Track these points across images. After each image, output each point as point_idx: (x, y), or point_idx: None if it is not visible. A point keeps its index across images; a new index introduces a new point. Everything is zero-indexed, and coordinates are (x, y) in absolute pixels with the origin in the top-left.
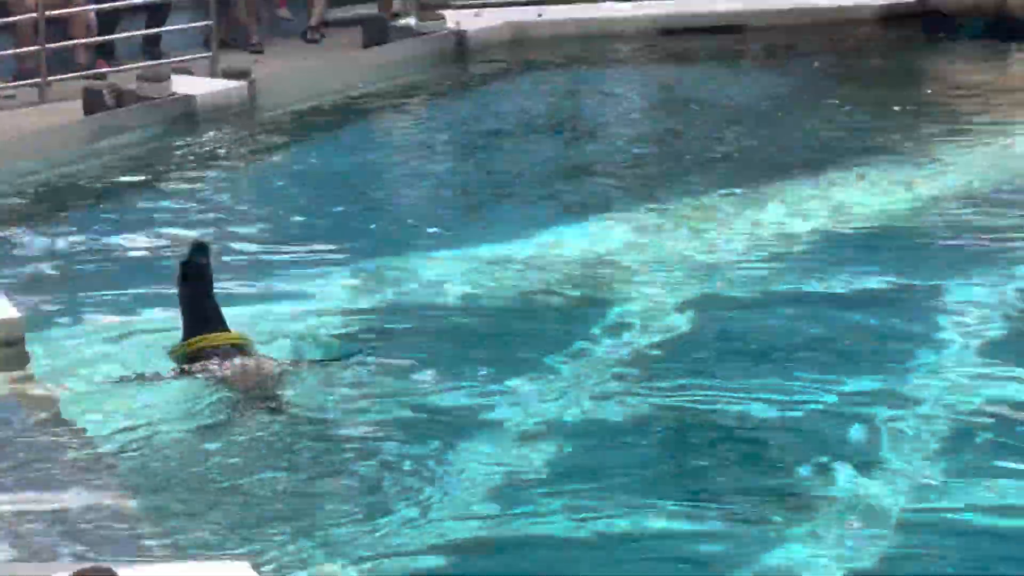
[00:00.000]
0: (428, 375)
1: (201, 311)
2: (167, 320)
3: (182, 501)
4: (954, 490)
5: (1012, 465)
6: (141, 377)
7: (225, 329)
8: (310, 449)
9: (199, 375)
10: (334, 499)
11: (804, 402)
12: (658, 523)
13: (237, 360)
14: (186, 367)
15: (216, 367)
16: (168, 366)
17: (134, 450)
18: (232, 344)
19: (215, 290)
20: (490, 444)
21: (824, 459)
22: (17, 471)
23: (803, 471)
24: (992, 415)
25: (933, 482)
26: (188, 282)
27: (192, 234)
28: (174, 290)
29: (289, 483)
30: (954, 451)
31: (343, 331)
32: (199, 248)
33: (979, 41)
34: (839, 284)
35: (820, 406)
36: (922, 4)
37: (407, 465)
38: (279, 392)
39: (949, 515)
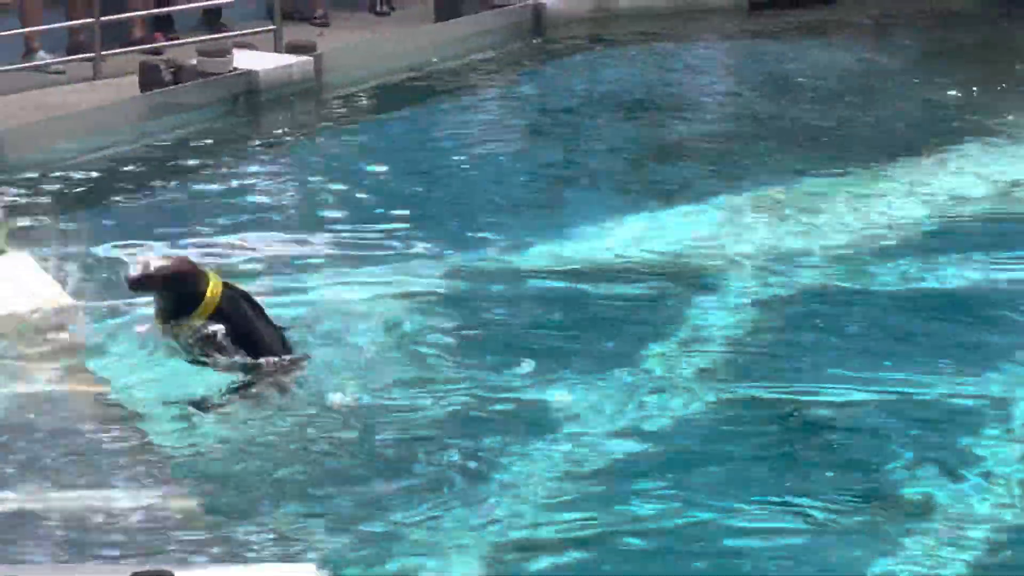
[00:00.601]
0: (502, 365)
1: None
2: None
3: (241, 499)
4: None
5: None
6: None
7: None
8: (372, 446)
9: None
10: (397, 498)
11: (899, 398)
12: (740, 521)
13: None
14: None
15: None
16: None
17: (190, 444)
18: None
19: None
20: (568, 437)
21: (916, 459)
22: (70, 467)
23: (893, 471)
24: None
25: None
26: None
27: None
28: (229, 274)
29: (351, 481)
30: None
31: (415, 315)
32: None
33: None
34: (942, 274)
35: (916, 403)
36: None
37: (472, 463)
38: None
39: None
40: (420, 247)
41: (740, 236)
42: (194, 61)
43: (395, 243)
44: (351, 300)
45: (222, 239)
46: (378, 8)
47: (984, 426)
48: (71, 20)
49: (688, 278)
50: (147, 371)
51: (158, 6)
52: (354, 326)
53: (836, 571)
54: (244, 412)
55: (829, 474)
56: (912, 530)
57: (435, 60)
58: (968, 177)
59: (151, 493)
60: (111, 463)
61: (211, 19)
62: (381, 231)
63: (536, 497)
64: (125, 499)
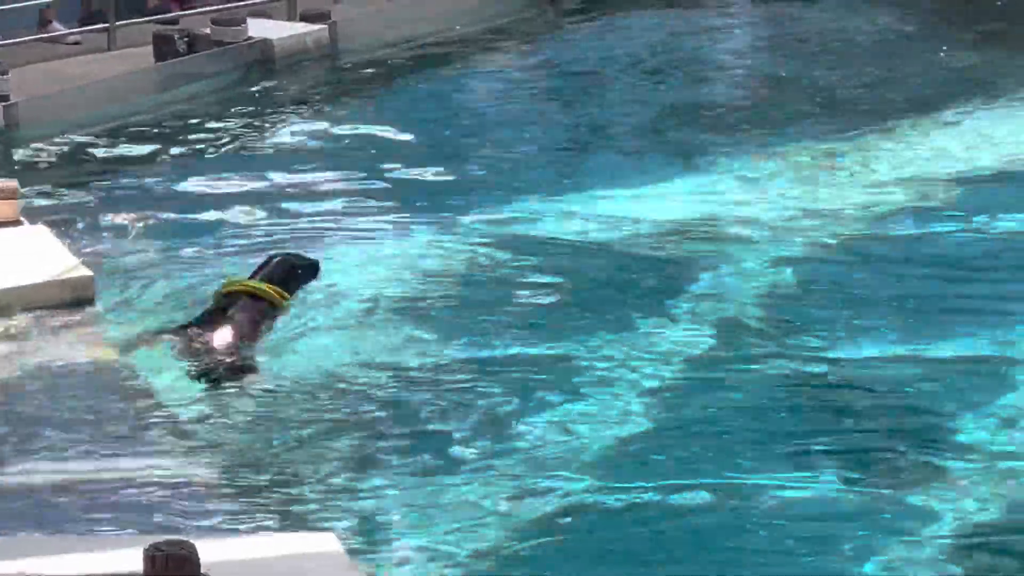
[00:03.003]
0: (517, 330)
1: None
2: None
3: (260, 471)
4: None
5: None
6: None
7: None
8: (388, 420)
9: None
10: (413, 469)
11: (922, 360)
12: (768, 482)
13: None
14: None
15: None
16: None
17: (208, 416)
18: (250, 292)
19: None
20: (582, 404)
21: (939, 426)
22: (90, 439)
23: (915, 435)
24: None
25: None
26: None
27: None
28: (246, 244)
29: (368, 455)
30: None
31: (432, 283)
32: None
33: None
34: (961, 237)
35: (939, 365)
36: None
37: (484, 439)
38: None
39: None
40: (435, 213)
41: (757, 198)
42: (208, 30)
43: (410, 209)
44: (363, 266)
45: (234, 209)
46: None
47: (998, 393)
48: None
49: (706, 241)
50: (162, 342)
51: None
52: (354, 297)
53: (855, 537)
54: (257, 381)
55: (843, 437)
56: (934, 495)
57: (450, 28)
58: (985, 143)
59: (167, 462)
60: (128, 434)
61: None
62: (396, 198)
63: (557, 452)
64: (140, 468)
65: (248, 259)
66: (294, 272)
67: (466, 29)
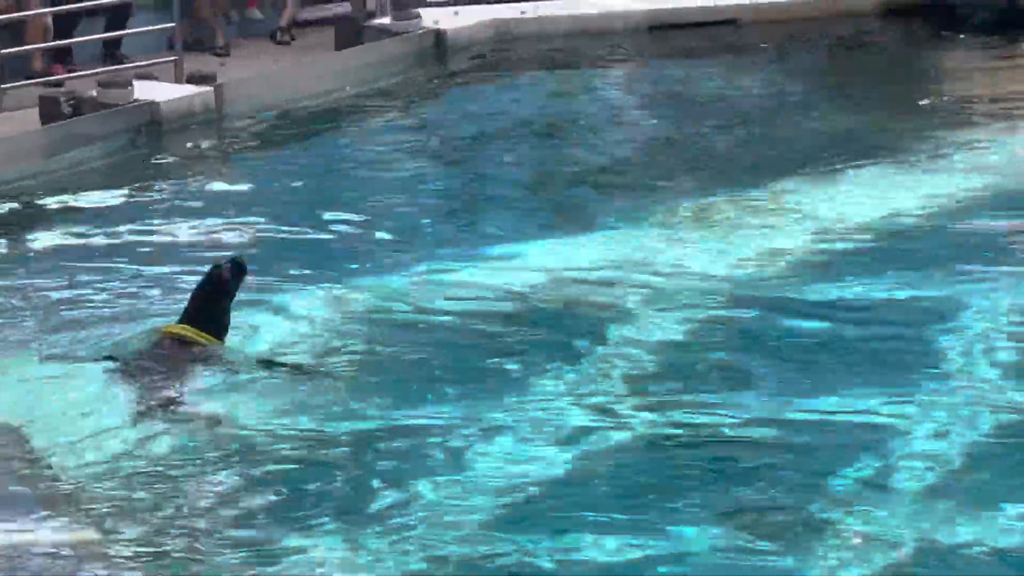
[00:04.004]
0: (403, 393)
1: (207, 311)
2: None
3: (149, 533)
4: (964, 509)
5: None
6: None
7: (200, 329)
8: (282, 470)
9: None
10: (314, 521)
11: (808, 416)
12: (653, 542)
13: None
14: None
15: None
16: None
17: (100, 480)
18: (175, 336)
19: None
20: (475, 465)
21: (826, 475)
22: None
23: (804, 488)
24: (1006, 430)
25: (942, 502)
26: (206, 289)
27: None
28: (134, 307)
29: (264, 508)
30: (966, 468)
31: (317, 345)
32: (238, 267)
33: (986, 34)
34: (843, 292)
35: (825, 420)
36: None
37: (385, 486)
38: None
39: (959, 536)
40: (318, 275)
41: (640, 258)
42: (94, 93)
43: (293, 271)
44: (248, 326)
45: (124, 272)
46: (279, 37)
47: (890, 439)
48: None
49: (589, 301)
50: (55, 409)
51: (57, 38)
52: (251, 359)
53: None
54: (145, 440)
55: (734, 492)
56: (822, 542)
57: (336, 89)
58: (866, 199)
59: (60, 529)
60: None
61: (111, 50)
62: (279, 260)
63: (444, 526)
64: (34, 536)
65: (135, 319)
66: (210, 300)
67: (355, 90)
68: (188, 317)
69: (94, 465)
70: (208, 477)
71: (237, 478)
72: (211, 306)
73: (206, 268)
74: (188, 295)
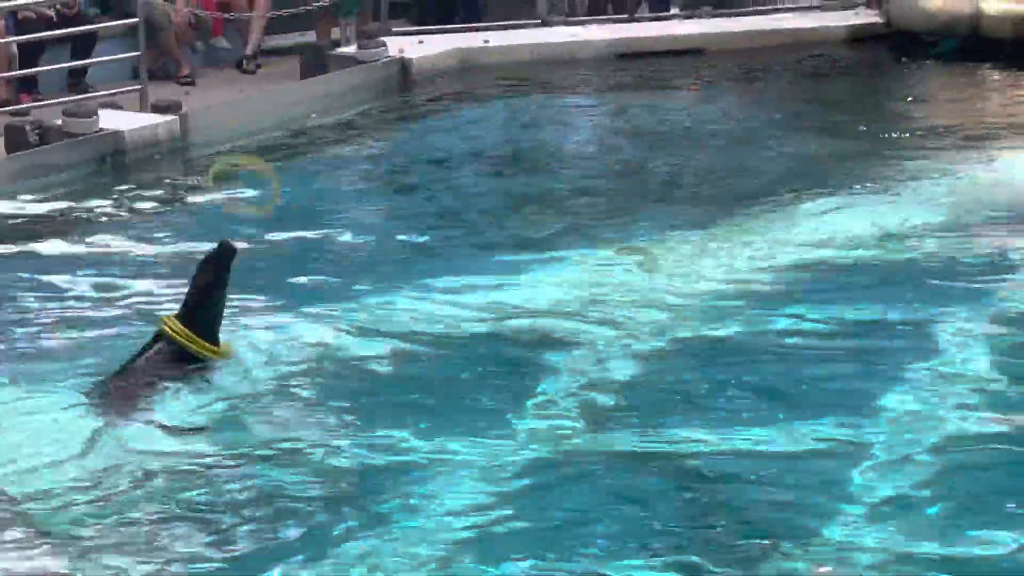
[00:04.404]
0: (368, 424)
1: (207, 297)
2: (79, 372)
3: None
4: (927, 538)
5: (987, 513)
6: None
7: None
8: (249, 499)
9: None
10: (279, 546)
11: (771, 447)
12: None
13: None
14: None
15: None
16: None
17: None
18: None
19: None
20: (433, 499)
21: (791, 506)
22: None
23: (768, 519)
24: (965, 458)
25: (907, 531)
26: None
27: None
28: (94, 336)
29: (233, 529)
30: (930, 498)
31: (269, 374)
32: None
33: (950, 63)
34: (806, 320)
35: (787, 451)
36: (888, 25)
37: (350, 518)
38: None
39: (925, 566)
40: (283, 306)
41: (605, 289)
42: (59, 122)
43: (258, 302)
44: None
45: (87, 299)
46: (244, 66)
47: (853, 469)
48: None
49: (553, 333)
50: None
51: (22, 67)
52: (207, 391)
53: None
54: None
55: (699, 524)
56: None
57: (301, 117)
58: (829, 227)
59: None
60: None
61: (76, 79)
62: (243, 290)
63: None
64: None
65: (96, 347)
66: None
67: (320, 118)
68: (188, 309)
69: (58, 492)
70: (165, 506)
71: (183, 509)
72: (212, 291)
73: (170, 294)
74: (157, 318)
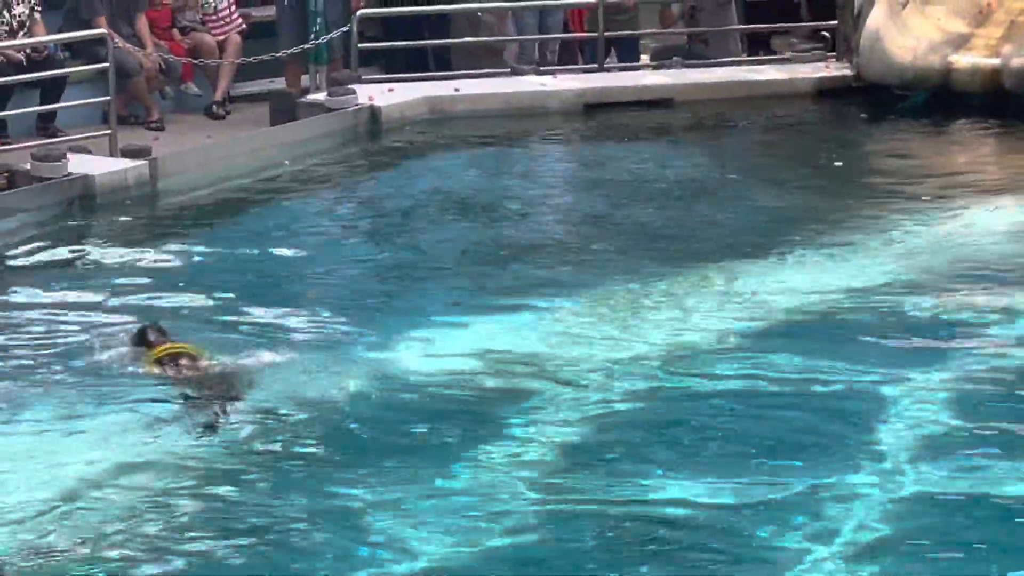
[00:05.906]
0: (339, 475)
1: None
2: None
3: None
4: None
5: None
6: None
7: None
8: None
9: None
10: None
11: (738, 497)
12: None
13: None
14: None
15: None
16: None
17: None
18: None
19: None
20: (402, 545)
21: (757, 559)
22: None
23: (736, 567)
24: (931, 510)
25: None
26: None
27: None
28: (58, 380)
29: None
30: (903, 551)
31: (255, 424)
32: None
33: (920, 116)
34: (775, 374)
35: (759, 500)
36: (859, 78)
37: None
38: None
39: None
40: (252, 356)
41: (574, 340)
42: (28, 166)
43: (223, 348)
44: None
45: (53, 344)
46: (214, 111)
47: (816, 524)
48: None
49: (521, 383)
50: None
51: None
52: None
53: None
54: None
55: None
56: None
57: (271, 164)
58: (796, 280)
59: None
60: None
61: (45, 123)
62: (212, 336)
63: None
64: None
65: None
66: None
67: (290, 165)
68: None
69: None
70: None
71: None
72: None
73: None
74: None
